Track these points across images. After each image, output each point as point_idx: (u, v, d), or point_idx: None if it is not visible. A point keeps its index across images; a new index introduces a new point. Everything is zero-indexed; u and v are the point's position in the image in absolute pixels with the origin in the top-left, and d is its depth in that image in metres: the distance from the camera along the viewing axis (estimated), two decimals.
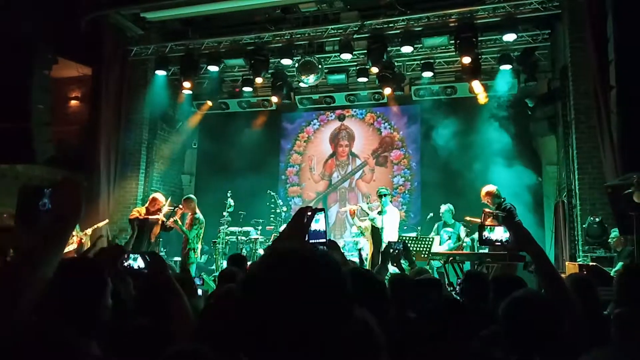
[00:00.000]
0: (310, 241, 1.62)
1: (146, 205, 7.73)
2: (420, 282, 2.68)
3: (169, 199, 7.77)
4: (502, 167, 8.17)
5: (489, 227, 4.97)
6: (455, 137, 8.96)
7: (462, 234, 7.38)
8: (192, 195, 7.85)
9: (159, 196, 7.72)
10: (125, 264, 2.36)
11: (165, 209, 7.53)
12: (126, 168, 9.59)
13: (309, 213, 1.58)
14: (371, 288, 1.86)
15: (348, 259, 3.46)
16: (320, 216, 1.65)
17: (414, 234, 7.53)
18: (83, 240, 6.85)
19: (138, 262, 2.40)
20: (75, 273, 1.55)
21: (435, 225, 7.76)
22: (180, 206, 7.62)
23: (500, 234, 4.45)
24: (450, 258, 6.14)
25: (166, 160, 10.52)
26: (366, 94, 9.97)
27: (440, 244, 7.50)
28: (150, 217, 7.32)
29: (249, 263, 4.89)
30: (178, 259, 8.45)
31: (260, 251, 8.03)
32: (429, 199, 9.50)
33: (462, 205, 7.76)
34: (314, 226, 1.63)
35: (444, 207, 7.57)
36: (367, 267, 7.10)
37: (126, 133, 9.63)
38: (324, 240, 1.67)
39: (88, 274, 1.57)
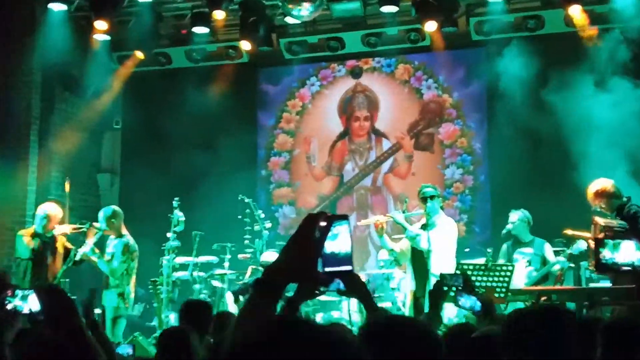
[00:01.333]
0: (326, 269, 1.58)
1: (33, 226, 7.72)
2: (476, 342, 2.63)
3: (67, 186, 7.79)
4: (624, 149, 8.11)
5: (609, 243, 4.92)
6: (546, 99, 8.90)
7: (549, 254, 7.33)
8: (115, 208, 7.83)
9: (53, 208, 7.68)
10: (9, 305, 2.39)
11: (67, 228, 7.53)
12: (6, 165, 9.55)
13: (323, 223, 1.55)
14: (420, 350, 1.81)
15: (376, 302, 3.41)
16: (341, 228, 1.63)
17: (481, 260, 7.48)
18: None
19: (29, 303, 2.42)
20: None
21: (504, 246, 7.70)
22: (96, 224, 7.60)
23: (629, 252, 4.39)
24: (544, 298, 6.10)
25: (72, 150, 10.50)
26: (396, 32, 9.94)
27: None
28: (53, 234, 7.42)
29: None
30: (97, 311, 8.42)
31: (229, 298, 7.99)
32: (505, 201, 9.43)
33: (558, 211, 7.76)
34: (331, 245, 1.60)
35: (514, 215, 7.56)
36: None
37: (3, 108, 9.60)
38: (350, 268, 1.63)
39: None
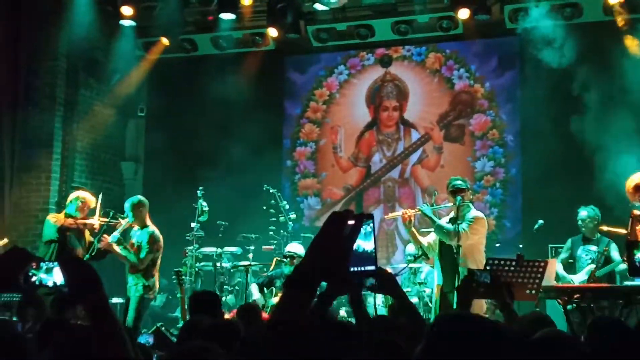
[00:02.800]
0: (353, 269, 1.59)
1: (64, 212, 7.81)
2: (543, 342, 2.60)
3: (99, 199, 7.84)
4: None
5: None
6: (583, 91, 8.80)
7: (614, 253, 7.42)
8: (141, 197, 7.89)
9: (87, 195, 7.79)
10: (34, 278, 2.43)
11: (96, 221, 7.61)
12: (30, 152, 9.70)
13: (352, 222, 1.55)
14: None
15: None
16: (367, 227, 1.64)
17: (511, 256, 7.43)
18: None
19: (54, 276, 2.46)
20: None
21: (569, 242, 7.84)
22: (122, 216, 7.68)
23: None
24: (577, 296, 6.04)
25: (96, 137, 10.62)
26: (427, 20, 9.92)
27: (577, 271, 7.58)
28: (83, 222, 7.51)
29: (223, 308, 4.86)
30: (118, 300, 8.51)
31: (254, 289, 8.04)
32: (537, 196, 9.37)
33: (598, 207, 7.74)
34: (359, 244, 1.61)
35: (584, 212, 7.66)
36: (432, 312, 7.06)
37: (27, 94, 9.71)
38: (373, 268, 1.64)
39: None
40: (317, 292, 1.60)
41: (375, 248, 1.68)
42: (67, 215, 7.69)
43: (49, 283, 2.50)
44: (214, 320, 3.80)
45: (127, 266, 7.68)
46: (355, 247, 1.60)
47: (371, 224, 1.66)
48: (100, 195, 7.90)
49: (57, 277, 2.48)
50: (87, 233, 7.75)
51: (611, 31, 8.94)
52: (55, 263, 2.48)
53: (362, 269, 1.65)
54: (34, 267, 2.44)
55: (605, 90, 8.76)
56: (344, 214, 1.59)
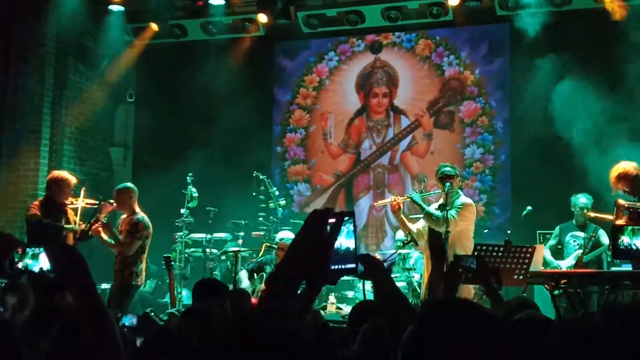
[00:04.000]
0: (333, 267, 1.62)
1: (44, 195, 7.73)
2: (524, 325, 2.65)
3: (83, 186, 7.81)
4: None
5: (629, 229, 4.93)
6: (572, 78, 8.84)
7: (603, 238, 7.57)
8: (128, 184, 7.86)
9: (66, 174, 7.70)
10: (20, 264, 2.43)
11: (80, 203, 7.57)
12: (19, 137, 9.67)
13: (332, 220, 1.57)
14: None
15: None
16: (349, 225, 1.65)
17: (500, 242, 7.50)
18: None
19: (40, 262, 2.47)
20: None
21: (557, 229, 7.98)
22: (109, 200, 7.64)
23: None
24: (564, 281, 6.11)
25: (84, 123, 10.59)
26: (417, 6, 9.92)
27: (564, 257, 7.73)
28: (62, 225, 7.39)
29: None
30: (107, 286, 8.52)
31: (244, 276, 8.07)
32: (526, 183, 9.43)
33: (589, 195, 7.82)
34: (340, 242, 1.63)
35: (583, 199, 7.77)
36: (421, 298, 7.12)
37: (16, 80, 9.69)
38: (354, 266, 1.67)
39: None
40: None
41: (356, 246, 1.69)
42: (45, 203, 7.50)
43: (35, 269, 2.50)
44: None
45: (115, 253, 7.66)
46: (336, 245, 1.61)
47: (352, 222, 1.68)
48: (82, 191, 7.79)
49: (43, 262, 2.48)
50: (71, 213, 7.66)
51: (601, 18, 8.96)
52: (42, 249, 2.47)
53: (343, 267, 1.67)
54: (20, 252, 2.44)
55: (595, 77, 8.80)
56: (324, 212, 1.59)
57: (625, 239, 4.97)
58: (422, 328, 1.69)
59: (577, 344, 2.16)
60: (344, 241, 1.66)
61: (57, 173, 7.81)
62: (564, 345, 2.18)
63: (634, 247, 4.70)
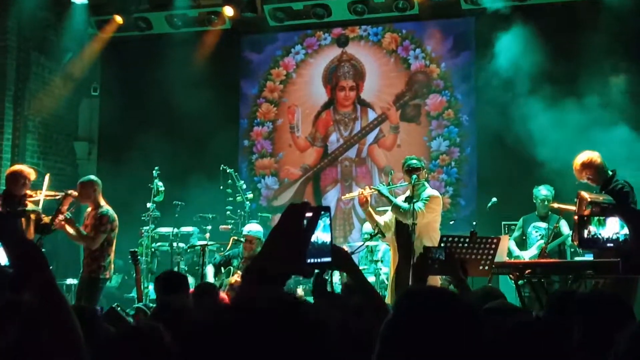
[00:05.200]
0: (310, 261, 1.62)
1: (3, 190, 7.64)
2: (492, 312, 2.68)
3: (47, 177, 7.70)
4: (614, 124, 8.20)
5: (595, 219, 4.99)
6: (536, 72, 8.94)
7: (564, 228, 7.73)
8: (92, 177, 7.78)
9: (25, 168, 7.61)
10: None
11: (43, 194, 7.47)
12: None
13: (309, 214, 1.58)
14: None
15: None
16: (326, 220, 1.67)
17: (465, 234, 7.57)
18: None
19: None
20: None
21: (521, 221, 8.16)
22: (72, 192, 7.54)
23: (613, 229, 4.47)
24: (528, 271, 6.18)
25: (48, 117, 10.45)
26: (383, 0, 9.96)
27: (527, 248, 7.90)
28: (22, 209, 7.30)
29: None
30: (73, 281, 8.43)
31: (210, 271, 8.03)
32: (490, 175, 9.53)
33: (552, 187, 7.96)
34: (316, 236, 1.64)
35: (545, 191, 7.95)
36: (388, 290, 7.15)
37: None
38: (329, 259, 1.69)
39: None
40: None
41: (331, 240, 1.71)
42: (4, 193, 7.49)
43: None
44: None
45: (82, 246, 7.60)
46: (313, 239, 1.62)
47: (328, 216, 1.69)
48: (46, 179, 7.72)
49: (1, 257, 2.46)
50: (31, 206, 7.56)
51: (566, 12, 9.07)
52: None
53: (319, 260, 1.68)
54: None
55: (559, 71, 8.92)
56: (301, 206, 1.60)
57: (591, 229, 5.05)
58: (401, 315, 1.71)
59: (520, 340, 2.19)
60: (320, 235, 1.68)
61: (13, 167, 7.75)
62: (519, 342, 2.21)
63: (599, 237, 4.76)
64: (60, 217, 7.26)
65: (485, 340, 1.76)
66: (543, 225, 7.90)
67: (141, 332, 2.39)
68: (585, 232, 5.03)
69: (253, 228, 7.89)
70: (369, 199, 7.12)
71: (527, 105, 8.93)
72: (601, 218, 4.64)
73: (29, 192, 7.54)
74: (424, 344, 1.64)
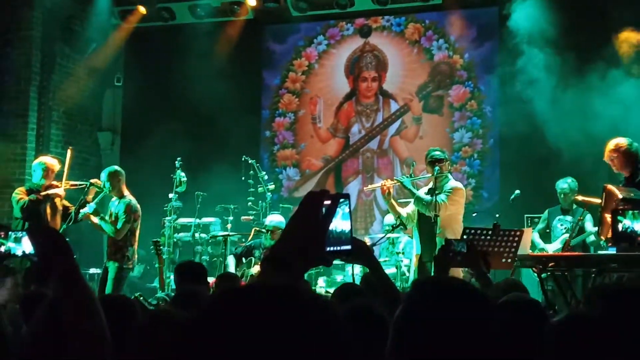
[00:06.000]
0: (330, 249, 1.61)
1: (28, 184, 7.79)
2: (509, 306, 2.66)
3: (69, 151, 7.81)
4: None
5: (629, 213, 4.93)
6: (561, 62, 8.84)
7: (588, 223, 7.65)
8: (117, 167, 7.86)
9: (50, 160, 7.76)
10: (2, 247, 2.43)
11: (61, 190, 7.59)
12: (5, 123, 9.61)
13: (328, 202, 1.56)
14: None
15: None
16: (344, 207, 1.65)
17: (488, 226, 7.54)
18: None
19: (23, 245, 2.47)
20: None
21: (546, 213, 8.10)
22: (96, 181, 7.64)
23: None
24: (551, 264, 6.13)
25: (71, 107, 10.53)
26: None
27: (552, 241, 7.85)
28: (46, 193, 7.45)
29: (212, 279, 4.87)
30: (96, 271, 8.51)
31: (231, 262, 8.07)
32: (514, 167, 9.45)
33: (576, 179, 7.96)
34: (335, 224, 1.62)
35: (564, 185, 7.90)
36: (410, 282, 7.14)
37: (3, 64, 9.62)
38: (349, 247, 1.67)
39: None
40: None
41: (351, 228, 1.68)
42: (33, 186, 7.66)
43: (17, 252, 2.50)
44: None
45: (106, 236, 7.68)
46: (331, 227, 1.60)
47: (347, 204, 1.67)
48: (69, 153, 7.86)
49: (26, 246, 2.48)
50: (58, 198, 7.72)
51: (591, 4, 8.96)
52: (24, 232, 2.47)
53: (338, 248, 1.67)
54: (2, 236, 2.43)
55: (584, 61, 8.81)
56: (320, 194, 1.59)
57: (626, 222, 5.00)
58: (414, 303, 1.70)
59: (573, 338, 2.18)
60: (339, 223, 1.65)
61: (38, 159, 7.89)
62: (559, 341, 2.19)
63: (635, 230, 4.71)
64: (86, 208, 7.38)
65: (497, 333, 1.75)
66: (569, 218, 7.84)
67: (166, 314, 2.41)
68: (620, 226, 4.98)
69: (275, 219, 7.91)
70: (391, 190, 7.10)
71: (552, 96, 8.84)
72: (636, 212, 4.59)
73: (54, 182, 7.68)
74: (434, 335, 1.63)
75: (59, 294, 1.87)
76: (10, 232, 2.49)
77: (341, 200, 1.63)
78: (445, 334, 1.63)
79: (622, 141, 6.50)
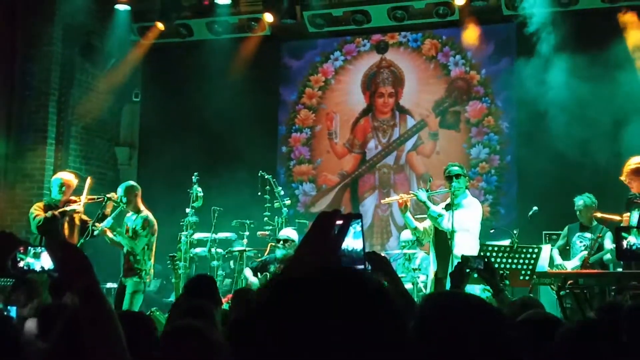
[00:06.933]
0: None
1: (46, 199, 7.86)
2: (528, 323, 2.64)
3: (88, 180, 7.86)
4: None
5: (634, 230, 4.88)
6: (580, 78, 8.80)
7: (607, 241, 7.53)
8: (133, 183, 7.90)
9: (68, 176, 7.82)
10: (21, 263, 2.44)
11: (83, 198, 7.64)
12: (25, 137, 9.69)
13: (340, 222, 1.57)
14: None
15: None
16: (356, 227, 1.65)
17: (506, 242, 7.49)
18: None
19: (42, 260, 2.47)
20: None
21: (566, 229, 8.03)
22: (113, 194, 7.68)
23: None
24: (570, 282, 6.09)
25: (90, 122, 10.61)
26: (423, 6, 9.92)
27: (570, 258, 7.77)
28: (63, 209, 7.49)
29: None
30: (113, 285, 8.53)
31: (248, 273, 8.08)
32: (531, 183, 9.39)
33: (595, 196, 7.85)
34: (347, 243, 1.62)
35: (580, 201, 7.84)
36: None
37: (23, 79, 9.71)
38: (362, 267, 1.67)
39: None
40: None
41: (364, 247, 1.69)
42: (51, 202, 7.72)
43: (36, 267, 2.50)
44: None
45: (123, 251, 7.70)
46: (344, 246, 1.61)
47: (360, 224, 1.67)
48: (88, 181, 7.90)
49: (45, 261, 2.48)
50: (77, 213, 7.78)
51: (607, 18, 8.93)
52: (43, 248, 2.47)
53: (353, 267, 1.67)
54: (22, 251, 2.43)
55: (603, 77, 8.77)
56: (332, 214, 1.59)
57: (631, 239, 4.94)
58: (427, 318, 1.69)
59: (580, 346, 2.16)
60: (352, 242, 1.67)
61: (55, 175, 7.96)
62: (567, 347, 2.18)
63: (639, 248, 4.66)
64: (104, 222, 7.43)
65: (509, 349, 1.74)
66: (588, 235, 7.76)
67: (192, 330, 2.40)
68: (624, 243, 4.93)
69: (287, 232, 7.92)
70: (408, 204, 7.09)
71: (570, 112, 8.79)
72: None
73: (72, 197, 7.75)
74: (444, 349, 1.62)
75: (79, 310, 1.87)
76: (29, 248, 2.49)
77: (353, 219, 1.63)
78: (456, 348, 1.62)
79: (637, 161, 6.45)
